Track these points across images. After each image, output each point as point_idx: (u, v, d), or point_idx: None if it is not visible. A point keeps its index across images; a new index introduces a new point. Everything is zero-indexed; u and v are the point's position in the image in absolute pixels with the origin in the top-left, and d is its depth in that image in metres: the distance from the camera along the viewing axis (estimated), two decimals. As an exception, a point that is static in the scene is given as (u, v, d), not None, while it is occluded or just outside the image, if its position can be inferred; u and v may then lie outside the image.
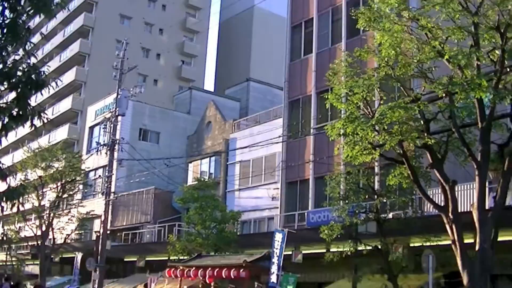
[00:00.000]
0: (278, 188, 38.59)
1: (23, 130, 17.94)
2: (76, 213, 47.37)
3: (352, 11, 18.99)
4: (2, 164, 13.64)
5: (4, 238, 51.28)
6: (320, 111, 35.48)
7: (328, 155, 31.62)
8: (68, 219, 46.49)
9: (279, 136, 37.18)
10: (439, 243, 21.76)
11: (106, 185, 37.16)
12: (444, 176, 17.59)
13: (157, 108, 56.69)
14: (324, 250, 25.77)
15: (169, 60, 76.39)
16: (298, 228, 32.25)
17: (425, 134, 17.27)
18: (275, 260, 23.24)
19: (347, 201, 24.05)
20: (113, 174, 37.56)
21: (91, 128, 59.06)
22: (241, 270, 24.73)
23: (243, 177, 42.35)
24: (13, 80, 12.75)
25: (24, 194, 14.10)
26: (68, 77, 69.80)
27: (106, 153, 36.94)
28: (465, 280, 16.39)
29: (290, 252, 28.08)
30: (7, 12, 12.56)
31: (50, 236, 45.91)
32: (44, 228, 45.22)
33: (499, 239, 17.35)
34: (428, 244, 22.31)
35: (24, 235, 51.03)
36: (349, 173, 24.49)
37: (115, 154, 36.80)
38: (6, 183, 13.11)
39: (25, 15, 12.81)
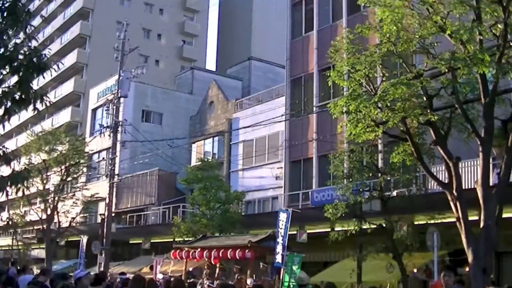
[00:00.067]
0: (281, 167, 38.60)
1: (26, 114, 17.97)
2: (80, 196, 47.42)
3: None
4: (6, 148, 13.66)
5: (10, 222, 51.43)
6: (322, 89, 35.42)
7: (331, 133, 31.60)
8: (73, 203, 46.54)
9: (282, 115, 37.13)
10: (444, 220, 21.75)
11: (110, 167, 37.24)
12: (448, 152, 17.53)
13: (159, 89, 56.64)
14: (329, 229, 25.74)
15: (170, 40, 76.15)
16: (302, 208, 32.27)
17: (428, 111, 17.18)
18: (280, 240, 23.23)
19: (351, 180, 24.01)
20: (116, 156, 37.62)
21: (94, 111, 59.07)
22: (246, 251, 24.74)
23: (247, 156, 42.36)
24: (15, 63, 12.74)
25: (28, 178, 14.11)
26: (70, 59, 69.65)
27: (109, 135, 36.99)
28: (470, 258, 16.38)
29: (295, 232, 28.12)
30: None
31: (55, 220, 45.99)
32: (49, 212, 45.28)
33: (504, 215, 17.31)
34: (432, 221, 22.29)
35: (30, 219, 51.14)
36: (352, 151, 24.42)
37: (118, 136, 36.85)
38: (10, 167, 13.14)
39: (24, -2, 12.77)
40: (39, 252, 53.96)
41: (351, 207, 22.86)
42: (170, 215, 42.66)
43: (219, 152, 46.25)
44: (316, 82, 36.76)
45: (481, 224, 16.19)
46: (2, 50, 12.76)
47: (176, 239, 34.06)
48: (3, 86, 13.15)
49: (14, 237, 54.20)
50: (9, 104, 12.83)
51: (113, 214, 38.32)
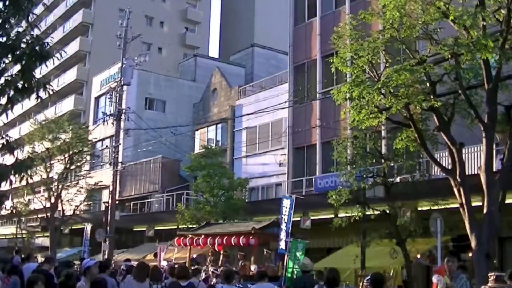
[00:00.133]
0: (285, 154, 38.61)
1: (29, 102, 17.97)
2: (84, 184, 47.48)
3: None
4: (9, 137, 13.68)
5: (14, 211, 51.54)
6: (325, 75, 35.36)
7: (334, 120, 31.57)
8: (77, 191, 46.59)
9: (285, 102, 37.13)
10: (447, 206, 21.78)
11: (113, 155, 37.26)
12: (451, 138, 17.54)
13: (162, 76, 56.58)
14: (332, 216, 25.78)
15: (172, 28, 75.95)
16: (306, 194, 32.31)
17: (431, 97, 17.18)
18: (283, 226, 23.27)
19: (354, 166, 24.02)
20: (120, 144, 37.64)
21: (97, 99, 59.03)
22: (250, 238, 24.79)
23: (250, 143, 42.35)
24: (17, 52, 12.75)
25: (32, 167, 14.17)
26: (72, 47, 69.56)
27: (112, 123, 36.97)
28: (473, 243, 16.42)
29: (299, 218, 28.14)
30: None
31: (59, 208, 46.08)
32: (53, 200, 45.35)
33: (507, 201, 17.35)
34: (435, 207, 22.32)
35: (34, 207, 51.18)
36: (356, 137, 24.41)
37: (122, 123, 36.81)
38: (14, 156, 13.17)
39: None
40: (43, 240, 54.03)
41: (354, 193, 22.87)
42: (174, 202, 42.74)
43: (222, 139, 46.26)
44: (319, 68, 36.72)
45: (484, 210, 16.23)
46: (5, 38, 12.77)
47: (180, 226, 34.13)
48: (6, 75, 13.16)
49: (18, 225, 54.32)
50: (12, 93, 12.85)
51: (116, 202, 38.33)
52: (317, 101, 36.26)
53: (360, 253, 24.61)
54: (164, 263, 28.02)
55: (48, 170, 45.94)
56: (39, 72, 15.01)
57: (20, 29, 13.16)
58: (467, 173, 18.33)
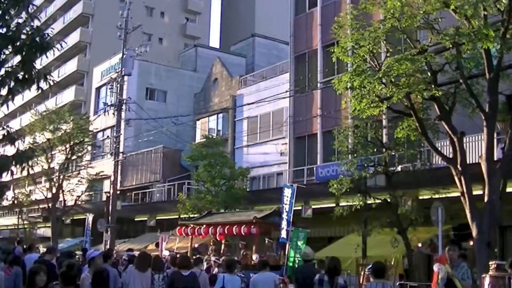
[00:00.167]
0: (286, 143, 38.61)
1: (30, 93, 17.98)
2: (85, 174, 47.54)
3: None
4: (10, 128, 13.68)
5: (15, 202, 51.60)
6: (326, 65, 35.30)
7: (335, 109, 31.52)
8: (78, 181, 46.66)
9: (286, 91, 37.07)
10: (448, 195, 21.80)
11: (114, 145, 37.27)
12: (452, 127, 17.55)
13: (163, 66, 56.51)
14: (334, 205, 25.83)
15: (173, 18, 75.81)
16: (307, 183, 32.29)
17: (433, 86, 17.19)
18: (284, 215, 23.27)
19: (355, 155, 24.06)
20: (121, 134, 37.66)
21: (98, 89, 58.99)
22: (251, 227, 24.85)
23: (251, 133, 42.35)
24: (18, 43, 12.73)
25: (33, 157, 14.19)
26: (73, 38, 69.45)
27: (113, 114, 36.95)
28: (474, 232, 16.45)
29: (300, 207, 28.15)
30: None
31: (61, 199, 46.14)
32: (54, 191, 45.41)
33: (508, 190, 17.37)
34: (437, 196, 22.34)
35: (35, 198, 51.27)
36: (357, 126, 24.42)
37: (123, 114, 36.82)
38: (15, 147, 13.17)
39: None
40: (45, 231, 54.17)
41: (355, 182, 22.91)
42: (175, 192, 42.76)
43: (223, 129, 46.25)
44: (320, 58, 36.66)
45: (485, 199, 16.26)
46: (5, 30, 12.75)
47: (181, 216, 34.18)
48: (6, 66, 13.16)
49: (20, 216, 54.44)
50: (12, 84, 12.84)
51: (118, 192, 38.42)
52: (318, 90, 36.24)
53: (361, 242, 24.62)
54: (165, 253, 28.07)
55: (49, 160, 45.99)
56: (40, 63, 15.02)
57: (20, 20, 13.14)
58: (468, 162, 18.35)
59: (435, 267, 11.82)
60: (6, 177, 13.61)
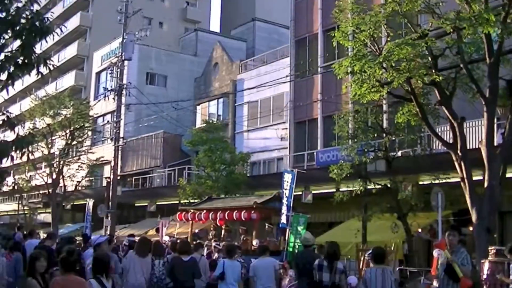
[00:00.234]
0: (286, 128, 38.58)
1: (30, 78, 17.90)
2: (86, 159, 47.55)
3: None
4: (10, 113, 13.66)
5: (15, 187, 51.61)
6: (327, 49, 35.24)
7: (336, 94, 31.48)
8: (78, 166, 46.69)
9: (287, 76, 36.98)
10: (448, 180, 21.80)
11: (114, 130, 37.24)
12: (453, 113, 17.54)
13: (163, 51, 56.37)
14: (334, 190, 25.82)
15: (173, 2, 75.48)
16: (307, 168, 32.31)
17: (433, 71, 17.15)
18: (285, 201, 23.27)
19: (355, 140, 24.06)
20: (121, 119, 37.62)
21: (98, 74, 58.89)
22: (251, 212, 24.87)
23: (251, 118, 42.32)
24: (17, 28, 12.68)
25: (33, 143, 14.15)
26: (73, 22, 69.17)
27: (113, 98, 36.92)
28: (474, 218, 16.47)
29: (300, 193, 28.16)
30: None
31: (61, 184, 46.19)
32: (54, 176, 45.45)
33: (508, 175, 17.38)
34: (437, 182, 22.33)
35: (35, 183, 51.31)
36: (357, 111, 24.40)
37: (123, 99, 36.77)
38: (15, 132, 13.15)
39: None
40: (45, 216, 54.18)
41: (356, 167, 22.92)
42: (176, 177, 42.78)
43: (224, 113, 46.21)
44: (321, 42, 36.56)
45: (485, 184, 16.27)
46: (4, 14, 12.69)
47: (181, 201, 34.19)
48: (6, 50, 13.11)
49: (20, 202, 54.52)
50: (12, 68, 12.80)
51: (118, 177, 38.43)
52: (318, 75, 36.16)
53: (361, 227, 24.65)
54: (166, 238, 28.13)
55: (50, 146, 46.01)
56: (40, 47, 14.92)
57: (20, 4, 13.08)
58: (468, 147, 18.35)
59: (435, 253, 11.85)
60: (6, 162, 13.59)
